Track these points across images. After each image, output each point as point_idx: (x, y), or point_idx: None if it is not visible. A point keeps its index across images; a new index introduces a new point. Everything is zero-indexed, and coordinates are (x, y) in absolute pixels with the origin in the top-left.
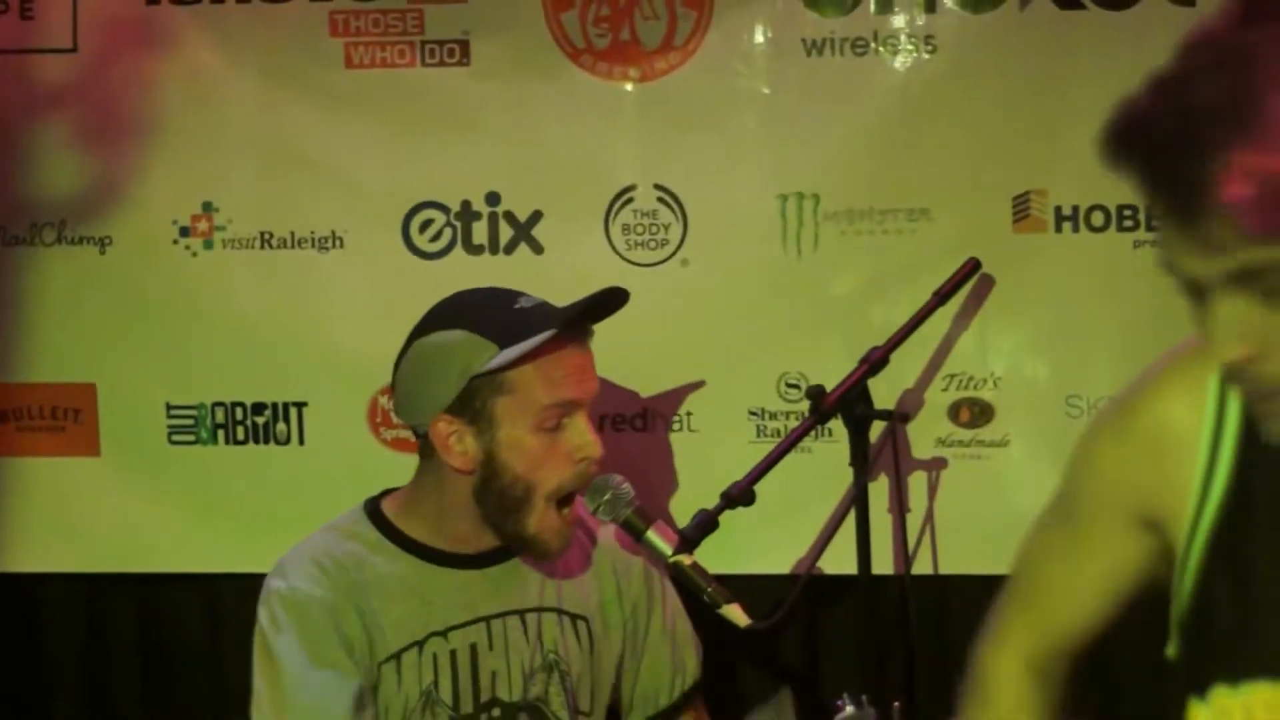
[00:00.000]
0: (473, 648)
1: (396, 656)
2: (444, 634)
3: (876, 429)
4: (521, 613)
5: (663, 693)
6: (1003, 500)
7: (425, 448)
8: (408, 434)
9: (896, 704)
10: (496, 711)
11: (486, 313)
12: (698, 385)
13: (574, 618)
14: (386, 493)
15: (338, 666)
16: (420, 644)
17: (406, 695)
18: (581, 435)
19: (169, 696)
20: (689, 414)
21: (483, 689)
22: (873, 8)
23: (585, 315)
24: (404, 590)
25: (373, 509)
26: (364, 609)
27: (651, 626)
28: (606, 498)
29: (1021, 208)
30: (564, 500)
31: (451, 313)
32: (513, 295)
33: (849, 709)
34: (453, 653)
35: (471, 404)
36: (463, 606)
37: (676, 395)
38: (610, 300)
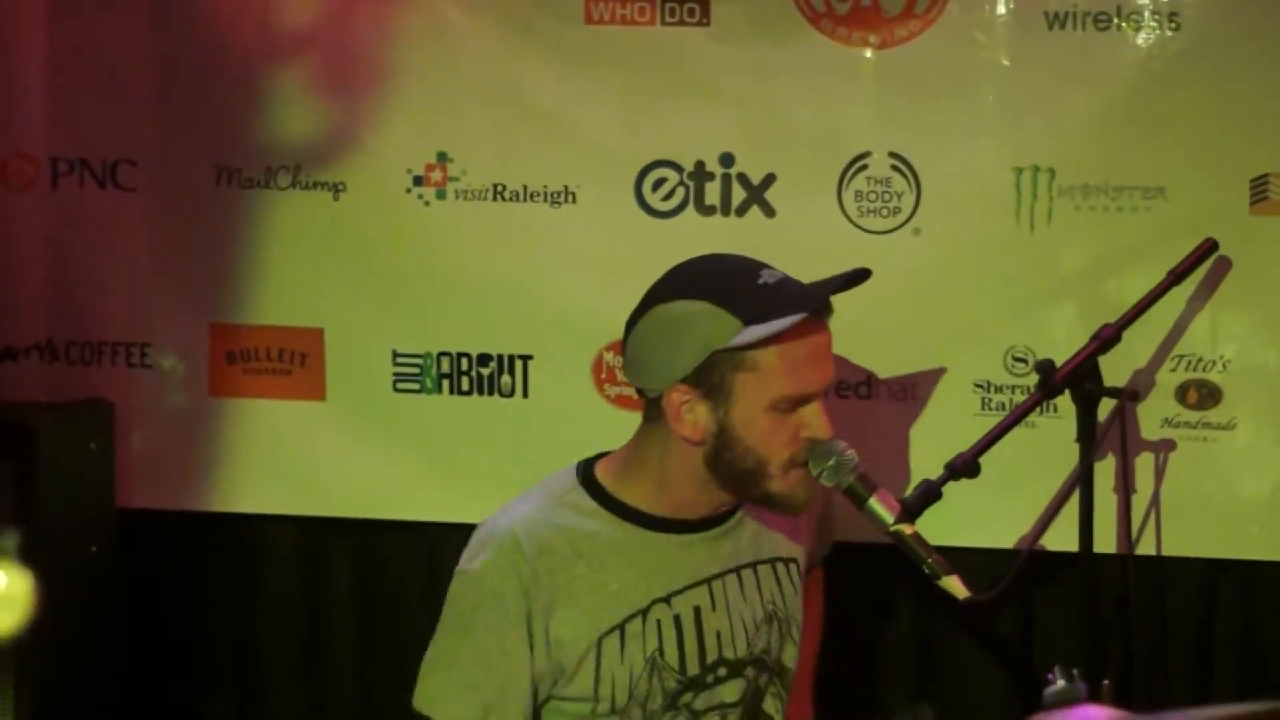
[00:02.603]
0: (696, 610)
1: (619, 627)
2: (667, 599)
3: (1104, 407)
4: (738, 569)
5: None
6: (1228, 484)
7: (651, 411)
8: (631, 391)
9: (1106, 682)
10: (723, 671)
11: (730, 285)
12: (938, 371)
13: (786, 561)
14: (599, 456)
15: (509, 657)
16: (644, 612)
17: (631, 664)
18: (814, 416)
19: (382, 641)
20: (913, 384)
21: (708, 650)
22: None
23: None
24: (623, 560)
25: (586, 475)
26: (570, 589)
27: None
28: (830, 463)
29: (1260, 190)
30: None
31: (694, 281)
32: (756, 267)
33: (1059, 683)
34: (677, 617)
35: (709, 377)
36: (684, 570)
37: (902, 365)
38: (854, 280)
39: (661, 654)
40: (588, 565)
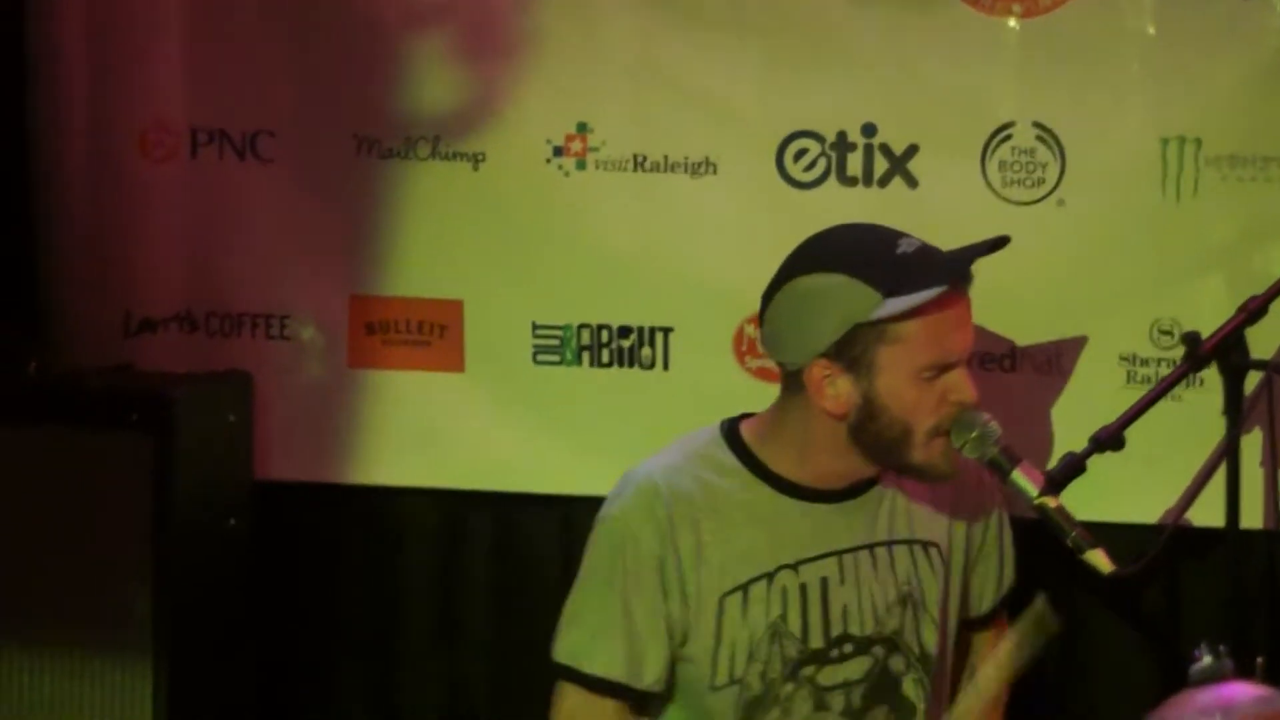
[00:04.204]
0: (823, 581)
1: (744, 588)
2: (794, 567)
3: (1250, 381)
4: (872, 546)
5: (985, 600)
6: None
7: (791, 383)
8: (772, 365)
9: (1260, 660)
10: (849, 647)
11: (868, 257)
12: (1083, 343)
13: (925, 545)
14: (744, 416)
15: (646, 602)
16: (770, 576)
17: (753, 627)
18: (959, 381)
19: (519, 616)
20: (1058, 356)
21: (833, 623)
22: None
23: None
24: (755, 521)
25: (731, 433)
26: (699, 542)
27: (988, 536)
28: (974, 435)
29: None
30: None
31: (831, 253)
32: (893, 236)
33: (1206, 659)
34: (803, 586)
35: (851, 350)
36: (815, 540)
37: (1046, 338)
38: (994, 248)
39: (784, 620)
40: (720, 521)
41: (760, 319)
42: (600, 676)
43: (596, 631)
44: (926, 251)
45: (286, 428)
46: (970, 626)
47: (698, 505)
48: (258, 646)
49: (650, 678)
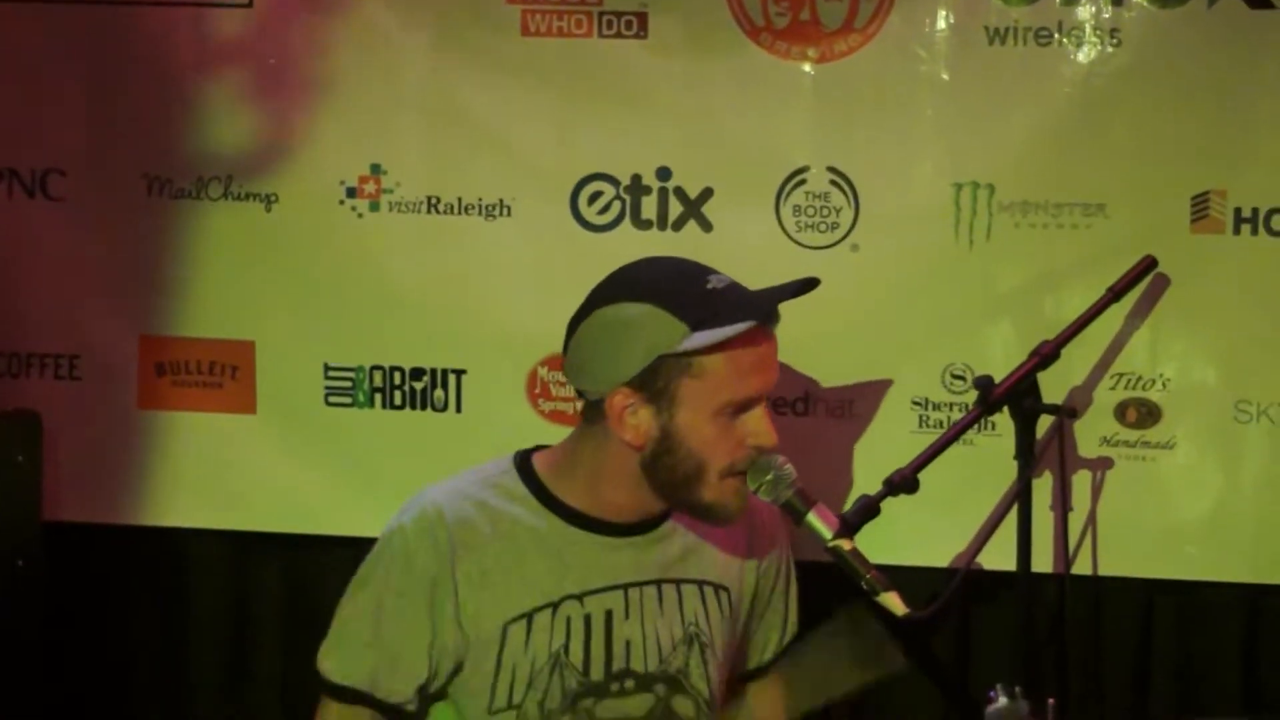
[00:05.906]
0: (608, 614)
1: (528, 616)
2: (580, 598)
3: (1042, 425)
4: (660, 583)
5: (767, 650)
6: (1166, 504)
7: (591, 412)
8: (566, 406)
9: (1051, 701)
10: (630, 683)
11: (677, 289)
12: (876, 387)
13: (716, 588)
14: (539, 448)
15: (405, 619)
16: (555, 605)
17: (534, 655)
18: (758, 423)
19: (310, 657)
20: (851, 401)
21: (615, 657)
22: None
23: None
24: (542, 550)
25: (523, 463)
26: (484, 569)
27: (776, 586)
28: (769, 478)
29: (1200, 207)
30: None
31: (639, 283)
32: (703, 271)
33: (1001, 700)
34: (587, 617)
35: (654, 382)
36: (603, 572)
37: (840, 382)
38: (804, 289)
39: (566, 651)
40: (505, 548)
41: (565, 347)
42: (340, 684)
43: (346, 640)
44: (736, 289)
45: (76, 468)
46: (746, 677)
47: (482, 531)
48: (47, 688)
49: (395, 694)
